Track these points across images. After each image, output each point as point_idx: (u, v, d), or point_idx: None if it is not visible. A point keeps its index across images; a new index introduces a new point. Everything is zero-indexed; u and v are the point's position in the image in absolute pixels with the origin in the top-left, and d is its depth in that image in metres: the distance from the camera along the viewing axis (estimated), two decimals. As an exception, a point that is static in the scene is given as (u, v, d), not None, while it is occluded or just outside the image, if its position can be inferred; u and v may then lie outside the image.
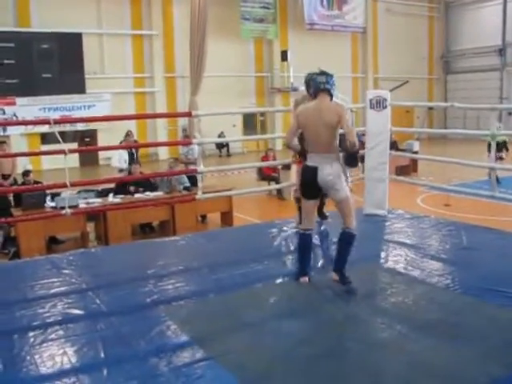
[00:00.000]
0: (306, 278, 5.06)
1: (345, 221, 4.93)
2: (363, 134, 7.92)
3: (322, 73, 4.99)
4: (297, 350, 3.75)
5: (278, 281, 5.20)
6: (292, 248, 6.23)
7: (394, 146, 12.24)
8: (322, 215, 6.62)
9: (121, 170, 10.73)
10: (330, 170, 4.79)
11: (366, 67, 30.61)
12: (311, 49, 26.88)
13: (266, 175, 13.29)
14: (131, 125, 17.28)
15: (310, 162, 4.88)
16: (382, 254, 5.84)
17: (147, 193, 9.37)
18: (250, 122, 26.93)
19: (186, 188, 9.76)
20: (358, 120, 25.69)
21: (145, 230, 9.82)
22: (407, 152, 15.77)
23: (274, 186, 12.47)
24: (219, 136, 22.75)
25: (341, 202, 4.90)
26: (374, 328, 4.15)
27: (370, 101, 7.60)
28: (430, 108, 31.35)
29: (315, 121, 4.78)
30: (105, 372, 3.51)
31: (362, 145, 8.01)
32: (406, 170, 15.59)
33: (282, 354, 3.71)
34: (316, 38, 27.27)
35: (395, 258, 5.74)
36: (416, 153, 16.29)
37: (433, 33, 33.88)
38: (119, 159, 10.67)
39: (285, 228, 7.05)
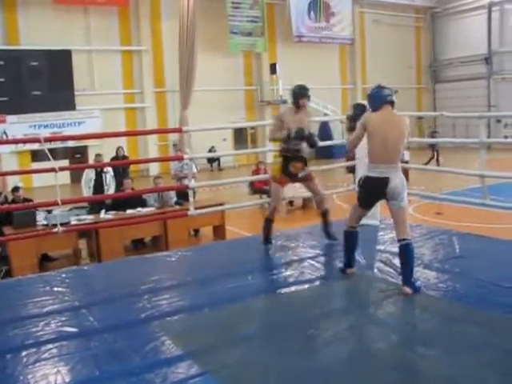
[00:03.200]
0: (353, 269, 5.49)
1: (401, 230, 5.07)
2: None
3: (383, 87, 5.23)
4: (291, 363, 3.74)
5: (272, 294, 5.19)
6: (283, 261, 6.23)
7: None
8: (330, 236, 6.78)
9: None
10: (398, 180, 5.01)
11: (355, 78, 30.81)
12: (300, 61, 27.04)
13: (257, 189, 13.29)
14: (122, 141, 17.26)
15: (374, 173, 5.01)
16: (376, 264, 5.84)
17: (139, 209, 9.35)
18: (241, 136, 26.98)
19: (177, 203, 9.75)
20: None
21: (137, 245, 9.79)
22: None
23: (265, 200, 12.45)
24: (210, 150, 22.78)
25: (400, 211, 5.07)
26: (369, 338, 4.15)
27: (360, 112, 7.63)
28: (420, 117, 31.54)
29: (386, 132, 4.93)
30: (100, 390, 3.48)
31: (353, 155, 8.05)
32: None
33: (277, 367, 3.69)
34: (304, 50, 27.43)
35: (389, 268, 5.73)
36: (407, 162, 16.34)
37: (420, 43, 34.18)
38: (86, 181, 10.67)
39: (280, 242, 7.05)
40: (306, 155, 6.46)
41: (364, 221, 7.52)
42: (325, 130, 25.78)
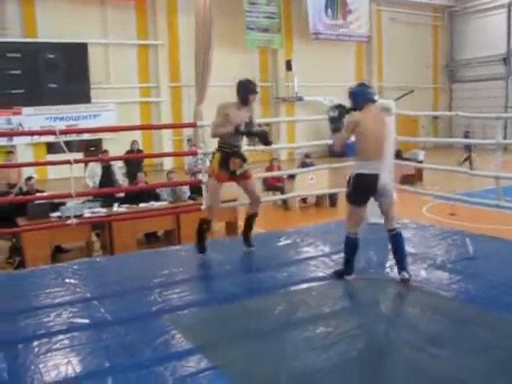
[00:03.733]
0: (353, 276, 5.38)
1: (391, 223, 5.31)
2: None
3: (366, 85, 5.44)
4: (302, 359, 3.74)
5: (283, 290, 5.20)
6: (295, 258, 6.23)
7: (398, 155, 12.24)
8: (248, 241, 6.50)
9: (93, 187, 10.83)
10: (387, 176, 5.33)
11: (371, 76, 30.63)
12: (316, 58, 26.94)
13: (270, 185, 13.29)
14: (136, 134, 17.30)
15: (367, 170, 5.08)
16: (387, 264, 5.82)
17: (152, 202, 9.38)
18: (255, 132, 26.94)
19: (191, 197, 9.77)
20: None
21: (150, 239, 9.82)
22: (412, 161, 15.76)
23: (278, 196, 12.47)
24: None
25: (390, 206, 5.29)
26: (379, 337, 4.14)
27: (375, 110, 7.60)
28: (435, 117, 31.34)
29: (376, 129, 5.11)
30: (109, 381, 3.51)
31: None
32: (411, 179, 15.56)
33: (287, 363, 3.70)
34: (320, 47, 27.32)
35: (400, 268, 5.71)
36: (421, 162, 16.29)
37: (437, 42, 33.90)
38: (90, 176, 10.69)
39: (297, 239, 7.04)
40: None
41: (376, 219, 7.54)
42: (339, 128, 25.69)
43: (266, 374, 3.57)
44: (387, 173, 5.27)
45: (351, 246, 5.32)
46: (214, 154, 6.04)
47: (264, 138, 6.17)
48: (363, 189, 5.16)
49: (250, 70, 26.55)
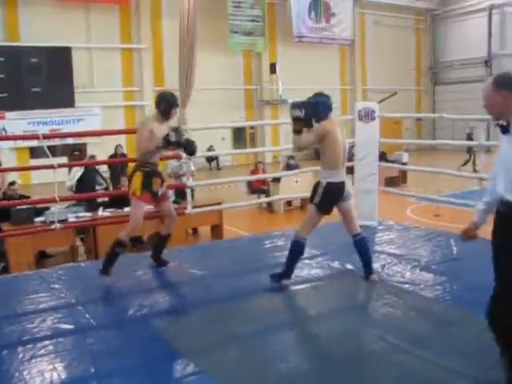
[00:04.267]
0: (288, 282, 5.30)
1: (355, 227, 5.43)
2: (352, 146, 7.96)
3: (326, 94, 5.36)
4: (287, 362, 3.75)
5: (269, 294, 5.20)
6: (280, 261, 6.22)
7: (382, 157, 12.30)
8: (160, 260, 6.17)
9: (70, 190, 10.79)
10: (349, 181, 5.39)
11: (355, 79, 30.80)
12: (300, 61, 27.05)
13: (255, 188, 13.30)
14: (121, 138, 17.21)
15: (336, 179, 5.16)
16: (373, 265, 5.85)
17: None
18: (240, 135, 26.97)
19: (175, 201, 9.74)
20: (347, 132, 25.81)
21: (135, 243, 9.78)
22: (396, 163, 15.86)
23: (263, 200, 12.47)
24: (208, 149, 22.76)
25: (352, 211, 5.39)
26: (364, 339, 4.15)
27: (359, 112, 7.65)
28: (419, 119, 31.56)
29: (343, 140, 5.21)
30: (95, 387, 3.49)
31: (352, 156, 8.06)
32: (395, 181, 15.65)
33: (273, 366, 3.70)
34: (304, 50, 27.42)
35: (385, 269, 5.75)
36: (405, 164, 16.39)
37: (420, 44, 34.17)
38: (71, 177, 10.66)
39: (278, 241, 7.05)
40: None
41: (362, 222, 7.57)
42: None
43: (252, 376, 3.58)
44: (348, 178, 5.38)
45: (300, 252, 5.30)
46: (132, 174, 5.57)
47: (190, 147, 5.70)
48: (333, 197, 5.18)
49: (234, 74, 26.62)
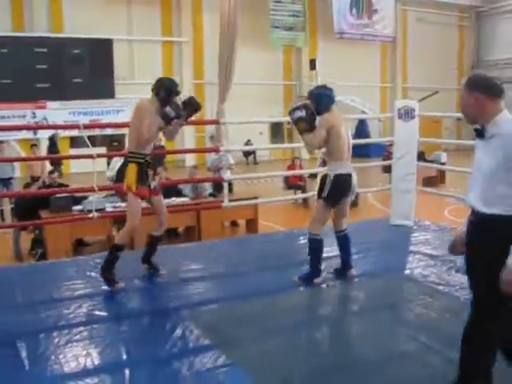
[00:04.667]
0: (321, 279, 5.29)
1: (342, 223, 5.45)
2: (390, 145, 7.89)
3: (329, 88, 5.36)
4: (318, 357, 3.74)
5: (301, 289, 5.19)
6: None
7: (421, 156, 12.13)
8: (152, 264, 5.64)
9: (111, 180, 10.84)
10: (356, 176, 5.28)
11: (395, 77, 30.46)
12: (340, 58, 26.86)
13: (292, 184, 13.27)
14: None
15: (344, 170, 5.14)
16: (408, 265, 5.80)
17: (173, 198, 9.41)
18: (277, 130, 26.94)
19: (211, 194, 9.80)
20: (386, 130, 25.55)
21: (170, 235, 9.86)
22: (435, 163, 15.63)
23: (299, 195, 12.45)
24: (246, 144, 22.80)
25: (347, 206, 5.41)
26: (397, 339, 4.12)
27: (399, 111, 7.56)
28: (459, 119, 31.01)
29: (345, 131, 5.18)
30: (127, 374, 3.54)
31: (390, 155, 7.99)
32: (434, 181, 15.43)
33: (303, 361, 3.70)
34: (345, 46, 27.21)
35: (420, 270, 5.68)
36: (444, 164, 16.15)
37: (463, 42, 33.56)
38: (111, 167, 10.70)
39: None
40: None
41: (399, 221, 7.51)
42: (362, 129, 25.56)
43: (282, 370, 3.58)
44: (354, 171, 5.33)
45: (320, 248, 5.28)
46: (124, 166, 5.15)
47: (191, 105, 5.27)
48: (342, 189, 5.16)
49: (273, 69, 26.58)
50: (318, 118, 5.14)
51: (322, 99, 5.17)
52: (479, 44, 33.60)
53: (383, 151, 14.63)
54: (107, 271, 5.07)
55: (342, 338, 4.11)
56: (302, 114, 5.09)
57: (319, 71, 26.32)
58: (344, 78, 25.84)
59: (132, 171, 4.98)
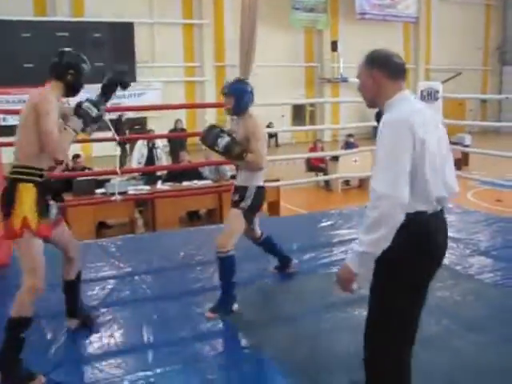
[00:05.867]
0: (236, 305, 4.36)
1: (258, 230, 4.93)
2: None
3: (248, 83, 4.57)
4: (337, 342, 3.74)
5: (324, 272, 5.19)
6: (336, 240, 6.20)
7: (444, 138, 11.98)
8: (83, 315, 4.04)
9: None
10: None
11: (418, 58, 30.05)
12: (362, 39, 26.51)
13: (313, 166, 13.24)
14: (180, 113, 17.39)
15: (262, 182, 4.49)
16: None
17: (195, 181, 9.44)
18: (299, 113, 26.83)
19: (233, 177, 9.80)
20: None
21: (192, 217, 9.91)
22: (458, 145, 15.46)
23: (321, 178, 12.42)
24: (268, 126, 22.73)
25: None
26: (421, 323, 4.09)
27: (421, 92, 7.48)
28: (484, 100, 30.60)
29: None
30: (150, 355, 3.57)
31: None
32: (457, 163, 15.24)
33: (326, 344, 3.71)
34: (367, 27, 26.90)
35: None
36: (467, 146, 15.97)
37: (490, 22, 32.90)
38: (138, 156, 10.71)
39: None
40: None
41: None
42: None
43: (302, 354, 3.59)
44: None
45: (231, 267, 4.35)
46: (11, 188, 3.29)
47: (120, 75, 4.12)
48: (261, 201, 4.53)
49: (294, 51, 26.42)
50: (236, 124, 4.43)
51: (244, 97, 4.33)
52: (506, 24, 32.94)
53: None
54: (8, 363, 3.24)
55: (362, 321, 4.09)
56: (226, 138, 4.24)
57: (341, 53, 26.10)
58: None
59: (27, 197, 3.24)
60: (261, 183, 4.44)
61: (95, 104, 3.56)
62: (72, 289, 3.89)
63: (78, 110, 3.48)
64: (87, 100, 3.56)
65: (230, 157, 4.35)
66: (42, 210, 3.32)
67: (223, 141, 4.23)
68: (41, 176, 3.36)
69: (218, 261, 4.32)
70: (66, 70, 3.51)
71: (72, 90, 3.59)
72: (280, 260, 5.10)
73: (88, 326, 3.96)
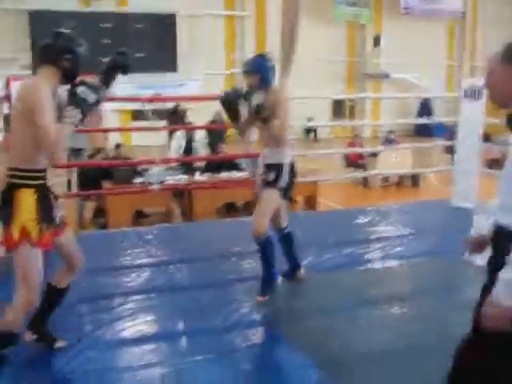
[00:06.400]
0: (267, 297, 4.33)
1: (285, 220, 4.68)
2: (454, 125, 7.69)
3: (268, 56, 4.38)
4: (374, 338, 3.71)
5: (359, 268, 5.16)
6: (374, 237, 6.15)
7: (486, 138, 11.78)
8: (43, 331, 3.48)
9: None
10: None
11: (463, 54, 29.47)
12: (405, 34, 26.20)
13: (352, 162, 13.13)
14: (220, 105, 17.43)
15: (290, 158, 4.34)
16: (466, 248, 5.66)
17: (233, 172, 9.46)
18: (339, 108, 26.63)
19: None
20: (450, 109, 24.84)
21: (229, 209, 9.93)
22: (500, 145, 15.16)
23: (359, 174, 12.32)
24: (307, 120, 22.64)
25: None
26: (453, 323, 4.03)
27: (465, 90, 7.34)
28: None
29: None
30: (183, 343, 3.60)
31: (453, 135, 7.78)
32: (498, 163, 14.98)
33: (356, 340, 3.68)
34: (411, 23, 26.48)
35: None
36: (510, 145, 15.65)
37: (538, 18, 32.08)
38: (176, 148, 10.72)
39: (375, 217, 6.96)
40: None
41: (460, 203, 7.33)
42: (425, 107, 25.01)
43: (335, 347, 3.57)
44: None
45: (270, 250, 4.32)
46: (10, 195, 2.96)
47: (119, 59, 3.79)
48: (296, 177, 4.38)
49: (336, 45, 26.22)
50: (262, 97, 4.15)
51: (268, 72, 4.23)
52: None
53: (447, 131, 14.31)
54: None
55: (398, 319, 4.06)
56: (260, 97, 4.11)
57: (383, 48, 25.81)
58: (409, 56, 25.29)
59: (27, 201, 2.94)
60: (290, 160, 4.29)
61: (92, 88, 3.10)
62: (57, 298, 3.39)
63: (73, 98, 3.02)
64: (82, 83, 3.07)
65: (258, 116, 4.11)
66: (44, 216, 2.98)
67: (256, 99, 4.09)
68: (41, 178, 3.04)
69: (257, 243, 4.27)
70: (61, 55, 3.06)
71: (69, 76, 3.12)
72: (291, 263, 4.77)
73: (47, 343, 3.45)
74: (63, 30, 3.14)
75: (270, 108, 4.09)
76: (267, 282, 4.33)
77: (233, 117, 4.29)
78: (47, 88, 2.96)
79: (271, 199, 4.23)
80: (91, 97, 3.06)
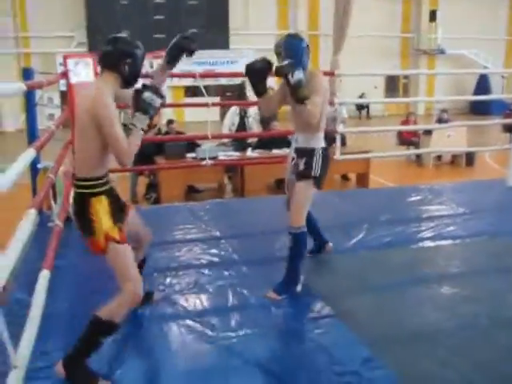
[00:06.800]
0: (299, 287, 4.06)
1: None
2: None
3: (303, 37, 4.06)
4: (424, 317, 3.68)
5: (410, 246, 5.10)
6: (426, 215, 6.06)
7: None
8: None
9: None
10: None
11: (523, 30, 28.51)
12: (462, 9, 25.45)
13: (405, 140, 12.91)
14: (272, 81, 17.38)
15: (324, 142, 4.14)
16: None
17: (284, 149, 9.43)
18: (393, 84, 26.18)
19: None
20: (510, 86, 24.14)
21: (280, 185, 9.93)
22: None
23: (413, 151, 12.12)
24: (360, 97, 22.36)
25: None
26: (507, 306, 3.95)
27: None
28: None
29: None
30: (233, 317, 3.63)
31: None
32: None
33: (408, 319, 3.65)
34: (469, -4, 25.74)
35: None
36: None
37: None
38: (229, 125, 10.68)
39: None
40: None
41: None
42: (483, 84, 24.30)
43: (384, 326, 3.55)
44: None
45: (303, 245, 4.05)
46: (84, 205, 3.00)
47: (185, 41, 4.07)
48: (328, 165, 4.10)
49: (390, 20, 25.69)
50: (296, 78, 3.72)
51: (304, 53, 3.89)
52: None
53: (505, 109, 13.92)
54: (75, 364, 2.95)
55: (448, 298, 4.00)
56: (299, 77, 3.72)
57: (439, 23, 25.15)
58: (466, 31, 24.60)
59: (102, 209, 3.02)
60: (324, 145, 4.08)
61: (156, 92, 3.11)
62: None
63: (140, 104, 3.05)
64: (145, 88, 3.10)
65: (295, 93, 3.73)
66: (118, 216, 3.11)
67: (299, 74, 3.70)
68: (107, 182, 3.10)
69: (290, 237, 4.00)
70: (121, 60, 3.06)
71: (129, 80, 3.14)
72: (317, 240, 4.72)
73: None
74: (120, 35, 3.18)
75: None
76: (288, 283, 4.02)
77: (259, 88, 4.02)
78: (110, 96, 2.97)
79: (308, 193, 4.01)
80: (157, 101, 3.09)
